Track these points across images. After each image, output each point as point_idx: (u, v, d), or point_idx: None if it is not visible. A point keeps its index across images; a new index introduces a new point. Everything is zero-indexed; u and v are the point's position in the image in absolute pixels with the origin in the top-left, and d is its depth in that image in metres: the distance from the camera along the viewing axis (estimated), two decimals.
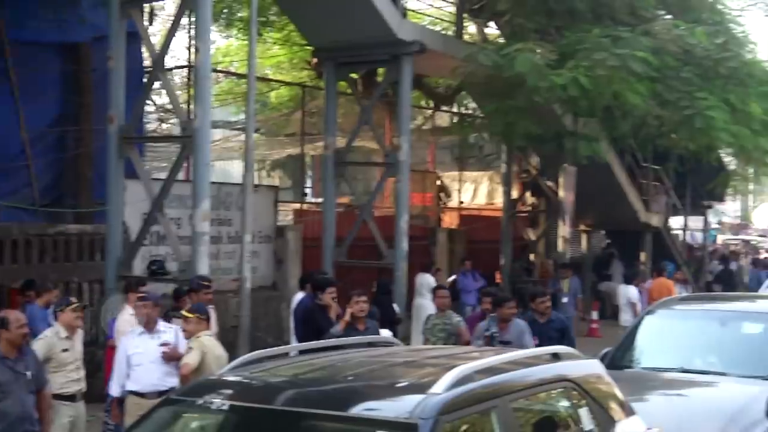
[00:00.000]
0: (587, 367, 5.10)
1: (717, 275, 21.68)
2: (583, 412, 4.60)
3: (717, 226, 40.70)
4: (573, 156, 16.99)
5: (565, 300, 15.01)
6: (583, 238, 23.11)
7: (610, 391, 5.08)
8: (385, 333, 8.05)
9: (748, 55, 18.29)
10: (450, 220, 22.50)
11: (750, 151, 19.53)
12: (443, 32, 18.16)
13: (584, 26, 14.92)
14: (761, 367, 7.12)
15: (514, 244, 20.98)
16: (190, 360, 7.03)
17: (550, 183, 20.68)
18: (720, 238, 40.82)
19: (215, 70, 20.38)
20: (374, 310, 8.62)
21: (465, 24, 18.56)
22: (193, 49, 12.50)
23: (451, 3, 18.18)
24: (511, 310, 8.31)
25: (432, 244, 19.18)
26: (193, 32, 12.78)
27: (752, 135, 17.91)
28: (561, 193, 18.68)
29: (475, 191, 24.57)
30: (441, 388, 3.78)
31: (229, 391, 4.10)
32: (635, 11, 15.97)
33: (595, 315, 19.04)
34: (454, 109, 24.34)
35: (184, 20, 14.02)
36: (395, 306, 11.76)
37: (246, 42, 17.69)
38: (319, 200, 17.25)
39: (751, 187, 37.76)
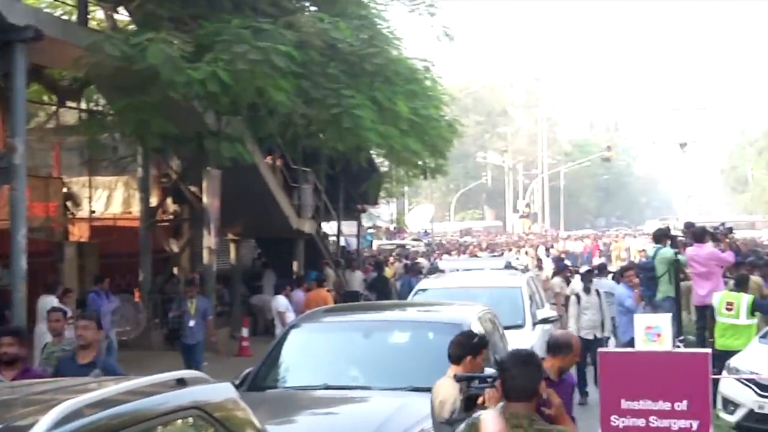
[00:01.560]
0: (219, 392, 5.11)
1: (370, 283, 22.93)
2: None
3: (372, 230, 43.16)
4: (216, 158, 17.08)
5: (191, 324, 14.61)
6: (232, 248, 23.32)
7: (246, 417, 5.13)
8: None
9: (394, 51, 19.57)
10: (80, 233, 21.63)
11: (399, 151, 20.97)
12: (65, 17, 17.42)
13: (223, 16, 15.06)
14: (406, 378, 7.49)
15: (155, 257, 20.65)
16: None
17: (193, 188, 20.58)
18: (375, 244, 43.40)
19: None
20: None
21: (92, 9, 17.96)
22: None
23: None
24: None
25: (58, 261, 18.32)
26: None
27: (400, 135, 19.23)
28: (205, 199, 18.70)
29: (109, 199, 23.80)
30: (42, 429, 3.58)
31: None
32: (278, 2, 16.41)
33: (245, 332, 19.29)
34: (83, 105, 23.42)
35: None
36: None
37: None
38: None
39: (405, 189, 40.57)
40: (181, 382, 4.82)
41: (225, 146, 16.35)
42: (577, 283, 18.87)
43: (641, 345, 5.53)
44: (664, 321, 5.48)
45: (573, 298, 14.22)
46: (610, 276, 16.50)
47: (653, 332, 5.47)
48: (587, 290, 13.94)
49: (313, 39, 15.48)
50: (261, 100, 15.47)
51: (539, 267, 26.87)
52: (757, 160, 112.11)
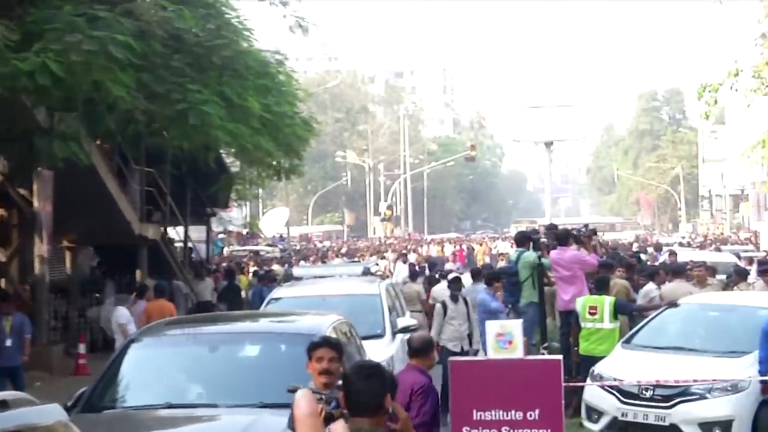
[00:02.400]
0: (46, 414, 5.00)
1: (221, 292, 22.71)
2: None
3: (223, 236, 42.78)
4: (48, 158, 16.57)
5: (8, 344, 14.04)
6: (68, 256, 22.69)
7: None
8: None
9: (244, 43, 19.45)
10: None
11: (251, 151, 20.87)
12: None
13: (54, 2, 14.62)
14: (256, 394, 7.43)
15: None
16: None
17: (22, 191, 19.92)
18: (227, 250, 43.01)
19: None
20: None
21: None
22: None
23: None
24: None
25: None
26: None
27: (252, 133, 19.13)
28: (36, 202, 18.15)
29: None
30: None
31: None
32: None
33: (82, 348, 18.81)
34: None
35: None
36: None
37: None
38: None
39: (258, 191, 40.36)
40: (3, 405, 4.70)
41: (58, 145, 15.86)
42: (442, 290, 19.21)
43: (492, 353, 5.68)
44: (515, 327, 5.65)
45: (438, 307, 14.31)
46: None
47: (504, 339, 5.63)
48: (455, 299, 14.12)
49: (155, 28, 15.14)
50: (98, 95, 15.08)
51: (390, 273, 27.17)
52: (623, 159, 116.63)
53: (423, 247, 55.69)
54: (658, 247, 34.24)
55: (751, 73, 34.94)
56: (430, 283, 20.85)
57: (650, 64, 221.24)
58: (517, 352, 5.63)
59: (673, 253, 23.49)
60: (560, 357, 5.88)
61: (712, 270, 16.20)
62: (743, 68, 33.20)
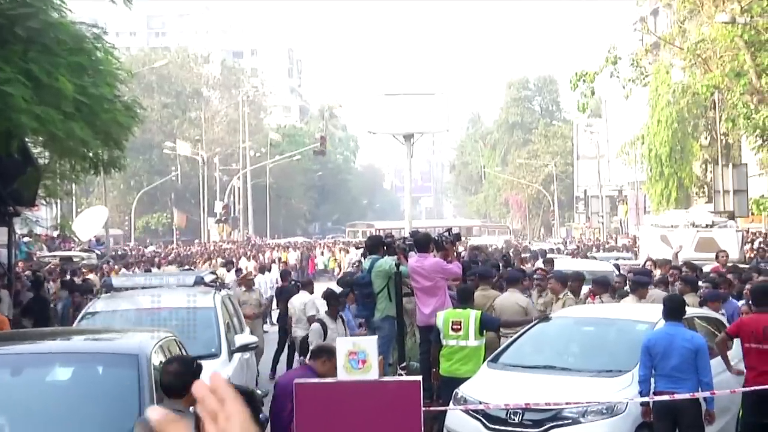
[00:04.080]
0: None
1: (26, 306, 22.08)
2: None
3: (28, 239, 41.62)
4: None
5: None
6: None
7: None
8: None
9: (54, 14, 18.97)
10: None
11: (62, 139, 20.34)
12: None
13: None
14: (68, 426, 7.36)
15: None
16: None
17: None
18: (38, 255, 41.85)
19: None
20: None
21: None
22: None
23: None
24: None
25: None
26: None
27: (64, 119, 18.65)
28: None
29: None
30: None
31: None
32: None
33: None
34: None
35: None
36: None
37: None
38: None
39: (72, 187, 39.44)
40: None
41: None
42: (302, 302, 19.22)
43: (344, 373, 5.69)
44: (369, 345, 5.67)
45: (317, 327, 14.26)
46: None
47: (357, 358, 5.66)
48: (333, 316, 14.08)
49: None
50: None
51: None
52: (491, 155, 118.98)
53: (266, 252, 55.59)
54: (537, 255, 35.02)
55: (630, 61, 36.44)
56: (281, 294, 20.95)
57: (521, 50, 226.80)
58: (372, 372, 5.65)
59: (549, 262, 23.93)
60: (419, 378, 5.93)
61: (579, 280, 16.57)
62: (621, 56, 34.54)
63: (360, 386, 5.63)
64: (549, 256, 29.51)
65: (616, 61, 33.58)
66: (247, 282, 21.90)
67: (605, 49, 34.16)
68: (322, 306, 16.45)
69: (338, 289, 15.83)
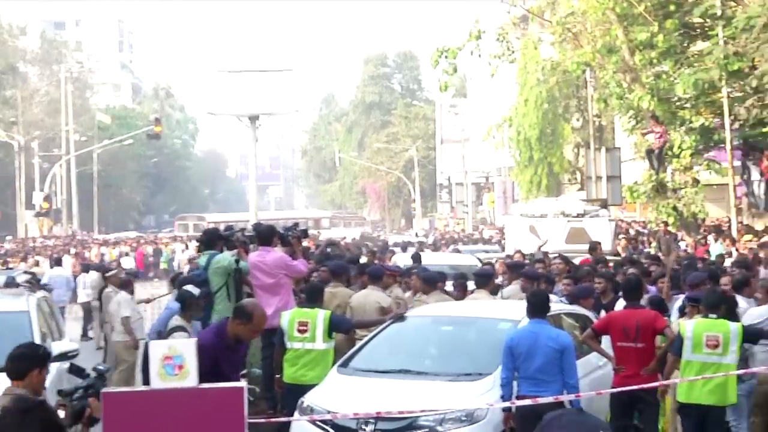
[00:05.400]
0: None
1: None
2: None
3: None
4: None
5: None
6: None
7: None
8: None
9: None
10: None
11: None
12: None
13: None
14: None
15: None
16: None
17: None
18: None
19: None
20: None
21: None
22: None
23: None
24: None
25: None
26: None
27: None
28: None
29: None
30: None
31: None
32: None
33: None
34: None
35: None
36: None
37: None
38: None
39: None
40: None
41: None
42: (131, 306, 18.95)
43: (158, 381, 5.61)
44: (187, 348, 5.60)
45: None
46: None
47: (173, 363, 5.60)
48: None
49: None
50: None
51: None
52: (346, 139, 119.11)
53: (93, 248, 54.71)
54: (405, 246, 35.26)
55: (495, 35, 36.91)
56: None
57: (380, 23, 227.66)
58: (189, 379, 5.59)
59: (416, 256, 24.01)
60: (243, 384, 5.82)
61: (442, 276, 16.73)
62: (487, 30, 34.93)
63: (176, 394, 5.56)
64: (418, 250, 29.79)
65: (480, 36, 33.93)
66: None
67: (470, 23, 34.47)
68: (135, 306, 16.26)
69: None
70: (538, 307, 11.61)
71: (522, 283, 16.16)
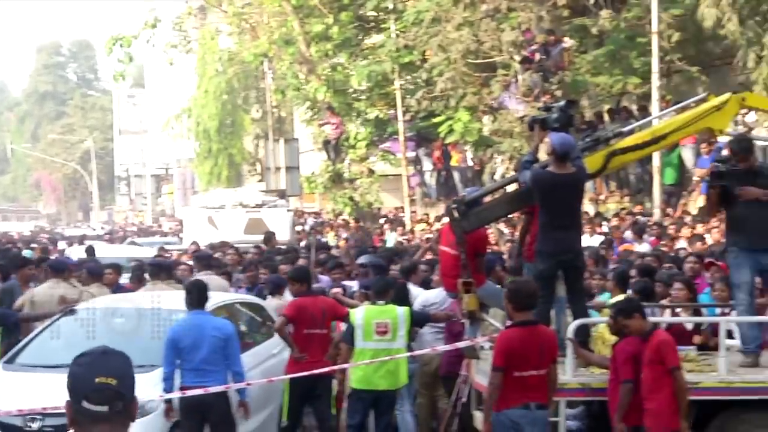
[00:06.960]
0: None
1: None
2: None
3: None
4: None
5: None
6: None
7: None
8: None
9: None
10: None
11: None
12: None
13: None
14: None
15: None
16: None
17: None
18: None
19: None
20: None
21: None
22: None
23: None
24: None
25: None
26: None
27: None
28: None
29: None
30: None
31: None
32: None
33: None
34: None
35: None
36: None
37: None
38: None
39: None
40: None
41: None
42: None
43: None
44: None
45: None
46: None
47: None
48: None
49: None
50: None
51: None
52: (19, 130, 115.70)
53: None
54: (81, 240, 34.64)
55: (172, 25, 36.65)
56: None
57: (54, 10, 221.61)
58: None
59: (90, 250, 23.56)
60: None
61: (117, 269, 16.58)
62: (163, 19, 34.62)
63: None
64: (93, 244, 29.21)
65: (155, 25, 33.61)
66: None
67: (146, 12, 34.10)
68: None
69: None
70: (198, 298, 11.58)
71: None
